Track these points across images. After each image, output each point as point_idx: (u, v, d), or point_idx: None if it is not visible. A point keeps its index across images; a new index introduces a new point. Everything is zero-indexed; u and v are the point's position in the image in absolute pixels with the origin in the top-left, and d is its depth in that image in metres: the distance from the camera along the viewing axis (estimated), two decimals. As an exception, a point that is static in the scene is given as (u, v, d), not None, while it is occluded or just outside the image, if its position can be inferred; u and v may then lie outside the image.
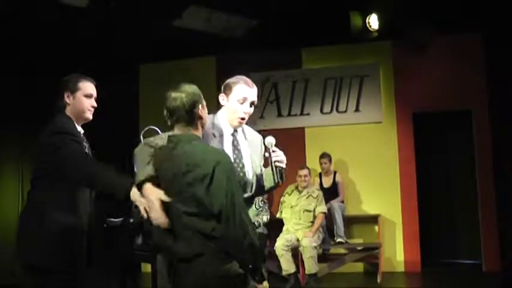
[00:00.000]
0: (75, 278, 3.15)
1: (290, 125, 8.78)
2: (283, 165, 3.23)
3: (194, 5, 7.34)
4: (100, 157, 3.21)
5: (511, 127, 7.87)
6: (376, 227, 8.28)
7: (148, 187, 2.77)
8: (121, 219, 3.72)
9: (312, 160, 8.38)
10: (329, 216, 7.72)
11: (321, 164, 8.21)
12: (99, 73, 3.44)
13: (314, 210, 7.39)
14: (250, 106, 3.22)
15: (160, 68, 9.14)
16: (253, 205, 3.43)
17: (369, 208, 8.42)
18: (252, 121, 9.02)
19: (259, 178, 3.34)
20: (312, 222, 7.37)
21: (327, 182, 8.20)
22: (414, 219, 8.21)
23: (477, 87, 8.18)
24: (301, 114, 8.77)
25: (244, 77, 3.28)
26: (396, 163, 8.37)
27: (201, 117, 2.85)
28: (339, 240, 7.74)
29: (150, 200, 2.71)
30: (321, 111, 8.71)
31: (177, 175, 2.70)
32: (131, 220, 3.60)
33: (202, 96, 2.91)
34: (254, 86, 3.26)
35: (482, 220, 8.16)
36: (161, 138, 2.97)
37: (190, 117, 2.81)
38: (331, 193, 8.00)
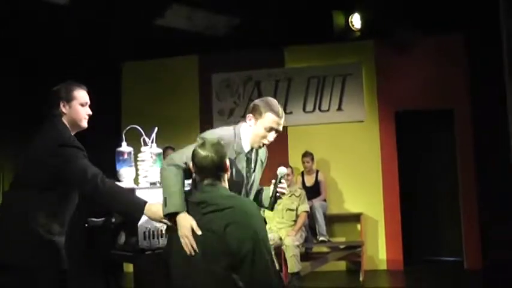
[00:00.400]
0: (58, 278, 3.12)
1: (273, 124, 8.76)
2: (282, 197, 3.55)
3: (176, 3, 7.31)
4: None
5: (492, 126, 7.93)
6: (359, 226, 8.31)
7: (182, 217, 2.96)
8: (103, 219, 3.68)
9: (295, 159, 8.39)
10: (311, 215, 7.73)
11: (303, 162, 8.22)
12: (81, 71, 3.40)
13: (297, 209, 7.39)
14: (275, 134, 3.40)
15: (143, 66, 9.10)
16: None
17: (351, 207, 8.45)
18: (235, 120, 9.08)
19: (257, 193, 3.58)
20: (295, 221, 7.37)
21: (310, 181, 8.21)
22: (396, 218, 8.26)
23: (459, 87, 8.25)
24: (284, 113, 8.74)
25: (275, 104, 3.42)
26: (378, 162, 8.41)
27: (227, 170, 3.04)
28: (321, 239, 7.76)
29: (183, 229, 2.91)
30: (304, 110, 8.73)
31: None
32: (113, 220, 3.56)
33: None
34: (283, 114, 3.42)
35: (464, 218, 8.24)
36: (184, 163, 3.11)
37: (218, 173, 2.99)
38: (313, 192, 8.02)
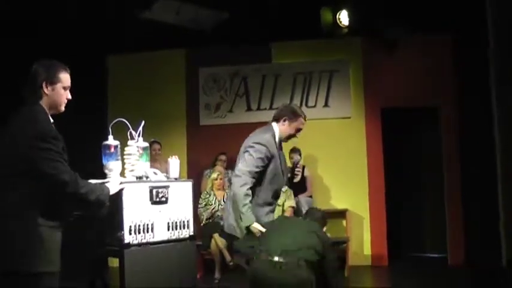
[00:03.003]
0: (57, 278, 3.05)
1: (259, 119, 8.69)
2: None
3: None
4: (69, 150, 3.14)
5: (477, 125, 8.00)
6: (344, 222, 8.33)
7: (255, 226, 4.04)
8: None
9: (281, 154, 8.38)
10: (297, 210, 7.74)
11: (291, 158, 8.21)
12: (66, 64, 3.33)
13: (283, 204, 7.41)
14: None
15: (130, 60, 9.05)
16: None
17: (336, 203, 8.47)
18: (221, 114, 9.06)
19: None
20: (281, 216, 7.39)
21: (296, 177, 8.20)
22: (381, 214, 8.30)
23: (445, 86, 8.30)
24: (271, 108, 8.75)
25: (302, 110, 4.49)
26: (364, 158, 8.43)
27: None
28: (307, 234, 7.77)
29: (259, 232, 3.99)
30: (291, 106, 8.72)
31: None
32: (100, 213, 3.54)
33: None
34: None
35: (448, 215, 8.29)
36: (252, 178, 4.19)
37: None
38: (299, 187, 8.01)
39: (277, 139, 4.36)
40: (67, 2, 6.94)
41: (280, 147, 4.43)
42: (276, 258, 3.62)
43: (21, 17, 7.22)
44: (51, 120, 3.15)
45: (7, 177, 3.00)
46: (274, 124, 4.40)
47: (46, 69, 3.11)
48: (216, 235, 7.41)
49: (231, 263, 7.26)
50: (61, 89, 3.14)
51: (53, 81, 3.10)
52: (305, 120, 4.38)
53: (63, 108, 3.21)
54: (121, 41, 8.40)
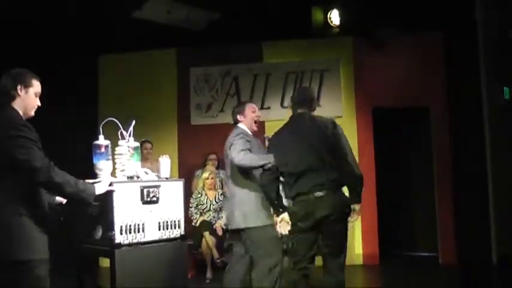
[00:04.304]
0: (46, 267, 3.13)
1: (251, 119, 8.76)
2: None
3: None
4: (61, 149, 3.16)
5: (467, 124, 8.04)
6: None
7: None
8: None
9: (272, 154, 8.38)
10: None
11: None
12: (58, 63, 3.35)
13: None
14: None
15: (120, 59, 9.01)
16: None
17: (328, 202, 8.46)
18: (212, 114, 9.04)
19: None
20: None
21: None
22: (373, 213, 8.30)
23: (436, 85, 8.32)
24: (262, 108, 8.75)
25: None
26: (356, 157, 8.41)
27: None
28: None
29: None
30: (282, 105, 8.72)
31: None
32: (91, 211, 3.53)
33: None
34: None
35: (439, 214, 8.32)
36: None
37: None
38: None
39: (249, 133, 4.98)
40: (58, 2, 6.91)
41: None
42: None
43: (12, 17, 7.18)
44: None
45: None
46: (238, 125, 5.03)
47: (20, 74, 3.31)
48: (206, 233, 7.41)
49: (219, 261, 7.27)
50: (33, 94, 3.31)
51: (26, 84, 3.28)
52: (253, 106, 5.15)
53: (33, 113, 3.35)
54: (112, 40, 8.38)
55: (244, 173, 4.81)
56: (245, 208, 4.81)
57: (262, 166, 4.45)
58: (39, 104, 3.36)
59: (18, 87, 3.24)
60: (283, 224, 4.33)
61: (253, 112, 5.09)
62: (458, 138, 8.11)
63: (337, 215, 4.37)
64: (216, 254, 7.36)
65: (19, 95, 3.25)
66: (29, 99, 3.28)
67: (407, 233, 9.08)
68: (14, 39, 7.42)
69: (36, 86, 3.32)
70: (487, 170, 7.93)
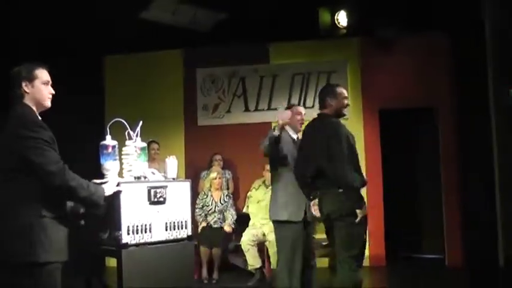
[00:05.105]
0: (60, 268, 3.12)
1: (257, 120, 8.77)
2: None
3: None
4: (67, 151, 3.15)
5: (474, 125, 8.00)
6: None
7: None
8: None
9: (279, 155, 8.36)
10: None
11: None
12: (64, 64, 3.35)
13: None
14: None
15: (127, 60, 9.04)
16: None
17: (334, 203, 8.44)
18: (219, 115, 9.03)
19: None
20: (278, 217, 7.38)
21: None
22: (379, 215, 8.28)
23: (443, 86, 8.30)
24: (269, 109, 8.76)
25: None
26: (362, 159, 8.36)
27: None
28: (304, 235, 7.78)
29: None
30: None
31: None
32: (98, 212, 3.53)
33: None
34: None
35: (446, 216, 8.29)
36: None
37: None
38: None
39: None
40: (64, 2, 6.92)
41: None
42: None
43: (18, 17, 7.20)
44: (39, 117, 3.22)
45: (7, 172, 3.06)
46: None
47: (23, 69, 3.22)
48: (202, 248, 7.42)
49: (206, 281, 7.35)
50: (40, 85, 3.22)
51: (30, 78, 3.20)
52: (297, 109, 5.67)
53: (49, 104, 3.28)
54: (118, 41, 8.39)
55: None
56: None
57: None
58: (52, 91, 3.27)
59: (23, 84, 3.18)
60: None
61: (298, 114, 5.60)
62: (465, 139, 8.08)
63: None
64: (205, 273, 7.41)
65: (27, 92, 3.19)
66: (37, 92, 3.20)
67: (414, 234, 9.06)
68: (19, 39, 7.44)
69: (41, 76, 3.23)
70: (494, 172, 7.89)
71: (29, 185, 3.03)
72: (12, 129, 3.08)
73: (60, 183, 3.05)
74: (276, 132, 5.02)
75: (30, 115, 3.16)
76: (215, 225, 7.67)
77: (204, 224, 7.66)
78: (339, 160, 4.57)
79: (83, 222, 3.61)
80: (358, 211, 4.68)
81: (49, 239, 3.03)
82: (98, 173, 3.68)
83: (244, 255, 7.23)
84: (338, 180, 4.59)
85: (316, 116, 5.04)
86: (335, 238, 4.77)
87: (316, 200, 4.81)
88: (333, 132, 4.67)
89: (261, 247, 7.28)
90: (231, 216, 7.69)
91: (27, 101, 3.20)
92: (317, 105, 8.52)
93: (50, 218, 3.06)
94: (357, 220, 4.67)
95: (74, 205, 3.41)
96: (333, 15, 7.73)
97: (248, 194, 7.80)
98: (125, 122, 3.83)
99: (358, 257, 4.72)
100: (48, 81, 3.26)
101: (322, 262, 8.32)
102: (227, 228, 7.56)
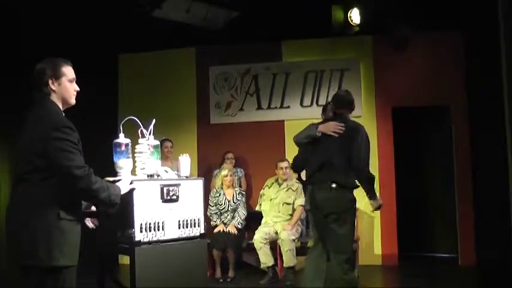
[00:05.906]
0: (74, 273, 3.10)
1: (270, 118, 8.77)
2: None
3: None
4: (81, 148, 3.15)
5: (487, 123, 7.95)
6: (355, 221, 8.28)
7: None
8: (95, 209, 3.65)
9: (292, 153, 8.26)
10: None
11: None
12: (77, 63, 3.35)
13: (293, 203, 7.40)
14: None
15: (140, 58, 9.08)
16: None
17: (347, 202, 8.42)
18: (232, 113, 9.04)
19: None
20: (291, 215, 7.38)
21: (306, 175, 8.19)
22: (392, 213, 8.25)
23: (456, 84, 8.26)
24: (281, 107, 8.76)
25: None
26: (375, 157, 8.36)
27: None
28: (317, 233, 7.77)
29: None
30: (301, 104, 8.71)
31: None
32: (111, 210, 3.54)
33: None
34: None
35: (459, 215, 8.25)
36: None
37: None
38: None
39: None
40: (77, 1, 6.95)
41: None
42: None
43: (31, 17, 7.24)
44: (63, 115, 3.19)
45: (27, 173, 3.03)
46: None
47: (49, 66, 3.17)
48: (215, 251, 7.43)
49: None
50: (66, 82, 3.19)
51: (57, 76, 3.16)
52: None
53: (73, 101, 3.26)
54: (131, 40, 8.42)
55: None
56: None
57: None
58: (77, 88, 3.25)
59: (50, 81, 3.13)
60: None
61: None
62: (479, 138, 8.04)
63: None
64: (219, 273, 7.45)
65: (53, 90, 3.15)
66: (64, 90, 3.18)
67: (427, 233, 9.02)
68: (33, 37, 7.49)
69: (68, 74, 3.20)
70: (508, 170, 7.83)
71: (49, 186, 2.99)
72: (41, 128, 3.03)
73: (84, 187, 3.02)
74: (318, 134, 5.30)
75: (59, 115, 3.13)
76: (228, 226, 7.62)
77: (218, 222, 7.63)
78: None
79: (97, 222, 3.62)
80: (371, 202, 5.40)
81: (67, 242, 3.02)
82: (111, 170, 3.70)
83: (257, 253, 7.22)
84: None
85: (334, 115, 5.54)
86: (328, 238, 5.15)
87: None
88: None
89: (274, 245, 7.28)
90: (238, 216, 7.65)
91: (54, 98, 3.16)
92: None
93: (67, 220, 3.03)
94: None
95: (87, 205, 3.43)
96: (346, 13, 7.72)
97: (261, 192, 7.80)
98: (138, 120, 3.84)
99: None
100: (74, 79, 3.24)
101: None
102: (231, 228, 7.50)
